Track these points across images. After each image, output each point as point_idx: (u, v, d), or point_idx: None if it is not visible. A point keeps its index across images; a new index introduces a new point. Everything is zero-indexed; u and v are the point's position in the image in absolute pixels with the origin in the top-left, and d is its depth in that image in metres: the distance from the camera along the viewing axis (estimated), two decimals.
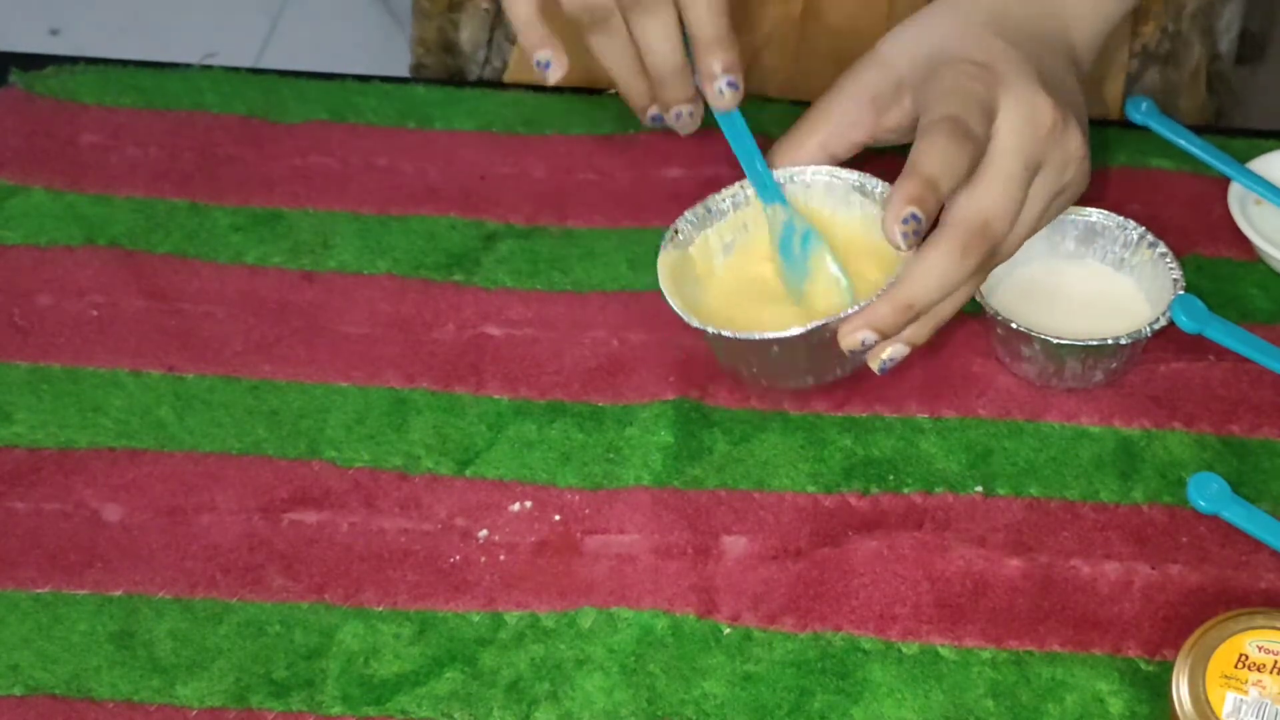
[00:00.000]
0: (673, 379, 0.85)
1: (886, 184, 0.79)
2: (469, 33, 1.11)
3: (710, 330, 0.76)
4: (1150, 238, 0.87)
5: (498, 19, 1.09)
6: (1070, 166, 0.77)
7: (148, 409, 0.85)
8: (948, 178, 0.72)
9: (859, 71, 0.82)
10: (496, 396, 0.86)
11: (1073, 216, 0.88)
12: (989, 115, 0.74)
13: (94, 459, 0.83)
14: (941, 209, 0.74)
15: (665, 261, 0.80)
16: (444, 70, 1.13)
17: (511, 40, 1.08)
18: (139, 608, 0.77)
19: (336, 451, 0.83)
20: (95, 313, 0.90)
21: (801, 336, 0.74)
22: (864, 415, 0.84)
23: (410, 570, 0.78)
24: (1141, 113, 0.98)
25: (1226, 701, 0.69)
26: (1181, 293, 0.84)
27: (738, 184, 0.83)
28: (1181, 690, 0.70)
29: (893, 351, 0.76)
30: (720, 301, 0.81)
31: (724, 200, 0.82)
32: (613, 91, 1.03)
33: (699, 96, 0.82)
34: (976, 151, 0.73)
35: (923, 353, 0.86)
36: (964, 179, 0.73)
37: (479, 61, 1.11)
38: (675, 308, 0.77)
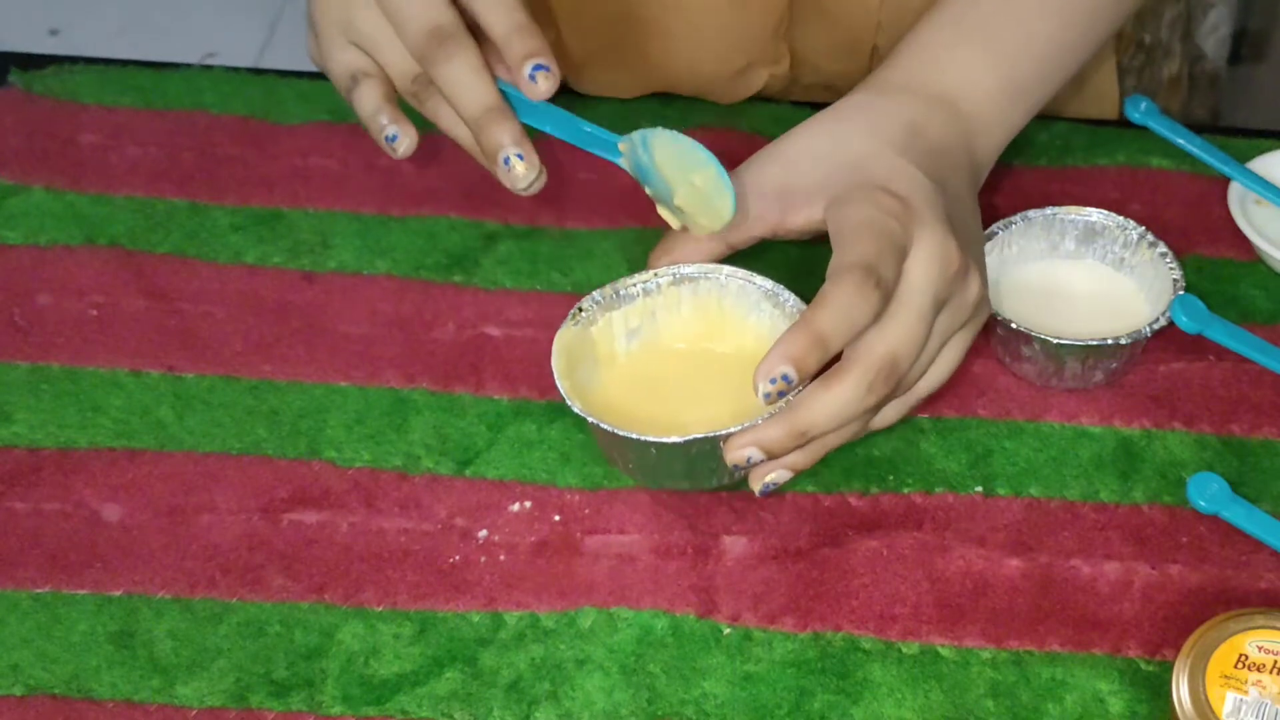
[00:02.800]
0: None
1: (799, 299, 0.78)
2: None
3: (590, 420, 0.75)
4: (1150, 238, 0.87)
5: None
6: (967, 309, 0.75)
7: (147, 409, 0.85)
8: (841, 335, 0.69)
9: (762, 166, 0.80)
10: (496, 397, 0.86)
11: (1073, 216, 0.88)
12: (902, 255, 0.72)
13: (94, 459, 0.83)
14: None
15: (563, 339, 0.78)
16: None
17: None
18: (139, 608, 0.77)
19: (336, 451, 0.83)
20: (95, 312, 0.90)
21: (681, 445, 0.73)
22: None
23: (410, 570, 0.78)
24: (1141, 112, 0.98)
25: (1226, 701, 0.69)
26: (1181, 293, 0.84)
27: (651, 272, 0.80)
28: (1181, 690, 0.70)
29: (775, 476, 0.73)
30: (615, 390, 0.80)
31: (634, 285, 0.80)
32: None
33: (525, 139, 0.76)
34: (883, 301, 0.70)
35: None
36: (861, 332, 0.70)
37: None
38: (561, 390, 0.75)
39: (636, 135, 0.79)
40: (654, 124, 0.99)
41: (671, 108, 1.01)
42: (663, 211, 0.81)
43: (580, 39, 0.99)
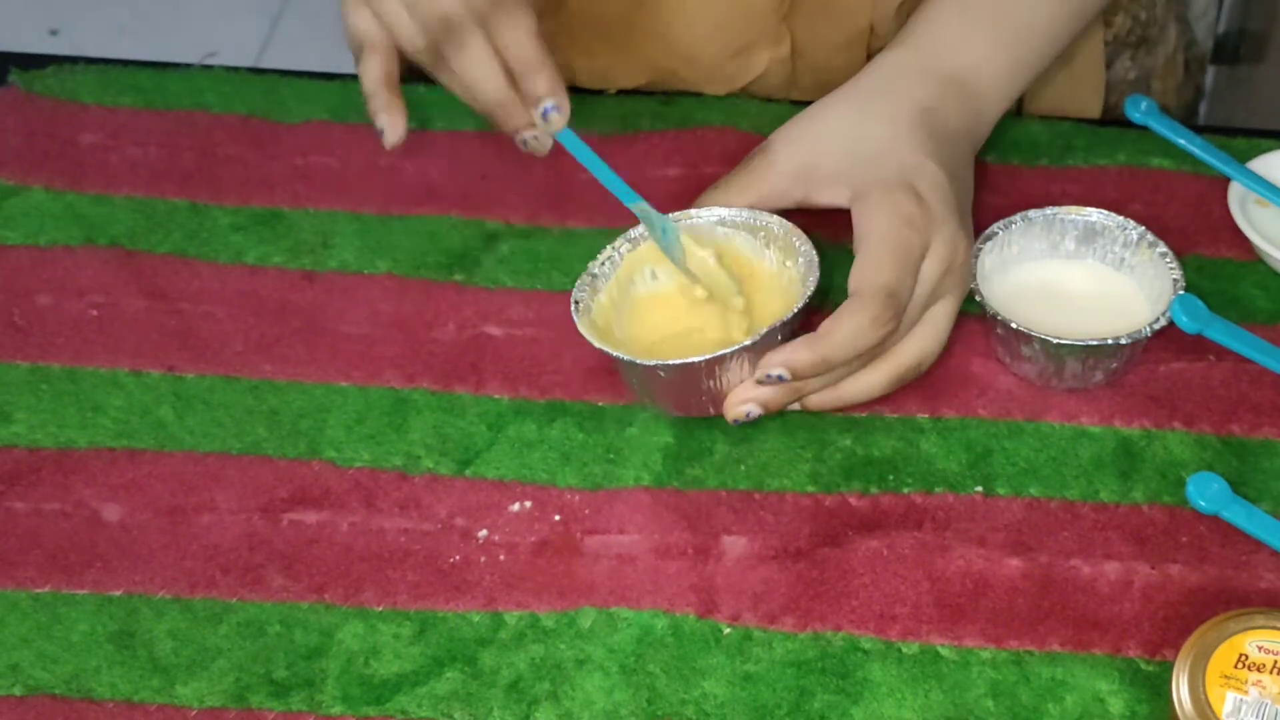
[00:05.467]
0: None
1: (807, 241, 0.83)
2: None
3: (656, 364, 0.79)
4: (1150, 238, 0.87)
5: None
6: (963, 282, 0.83)
7: (148, 409, 0.85)
8: (845, 358, 0.78)
9: (790, 144, 0.85)
10: (496, 396, 0.86)
11: (1073, 216, 0.88)
12: (919, 265, 0.80)
13: (94, 459, 0.83)
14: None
15: (583, 326, 0.82)
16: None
17: None
18: (139, 608, 0.77)
19: (336, 451, 0.83)
20: (95, 313, 0.90)
21: (694, 365, 0.78)
22: (864, 415, 0.84)
23: (410, 570, 0.78)
24: (1141, 112, 0.98)
25: (1226, 701, 0.69)
26: (1181, 293, 0.84)
27: (609, 247, 0.85)
28: (1181, 690, 0.70)
29: (749, 409, 0.80)
30: (640, 349, 0.83)
31: (603, 263, 0.85)
32: (614, 92, 1.03)
33: (536, 122, 0.82)
34: (889, 334, 0.79)
35: None
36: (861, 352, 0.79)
37: None
38: (611, 352, 0.80)
39: (658, 215, 0.84)
40: (654, 124, 1.00)
41: (674, 106, 1.01)
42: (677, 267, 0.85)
43: (590, 16, 0.99)
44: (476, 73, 0.80)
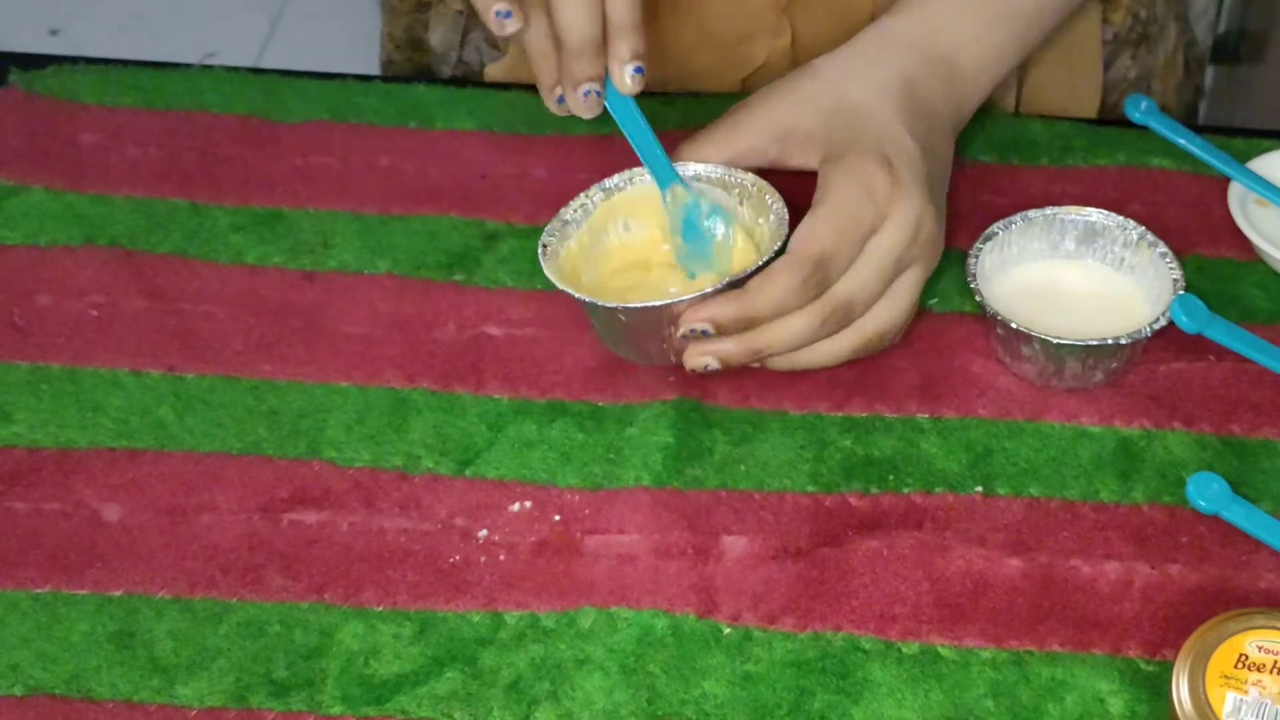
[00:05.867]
0: (673, 379, 0.85)
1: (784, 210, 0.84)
2: (440, 34, 1.11)
3: (622, 306, 0.80)
4: (1150, 238, 0.87)
5: (471, 21, 1.10)
6: (930, 254, 0.83)
7: (148, 409, 0.85)
8: (769, 317, 0.80)
9: (769, 106, 0.86)
10: (496, 396, 0.86)
11: (1073, 216, 0.88)
12: (868, 236, 0.80)
13: (94, 459, 0.83)
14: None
15: (550, 270, 0.83)
16: (412, 67, 1.14)
17: (492, 44, 1.09)
18: (139, 608, 0.77)
19: (336, 451, 0.83)
20: (95, 313, 0.90)
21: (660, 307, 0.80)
22: (864, 415, 0.84)
23: (410, 570, 0.78)
24: (1141, 112, 0.99)
25: (1226, 701, 0.69)
26: (1181, 293, 0.84)
27: (582, 194, 0.86)
28: (1181, 690, 0.70)
29: (707, 360, 0.81)
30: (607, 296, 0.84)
31: (575, 210, 0.86)
32: None
33: (604, 78, 0.83)
34: (817, 295, 0.79)
35: (923, 353, 0.86)
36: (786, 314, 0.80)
37: (450, 62, 1.12)
38: (575, 294, 0.81)
39: (706, 200, 0.85)
40: (654, 124, 0.99)
41: (673, 107, 1.01)
42: (674, 249, 0.86)
43: None
44: (576, 14, 0.80)
